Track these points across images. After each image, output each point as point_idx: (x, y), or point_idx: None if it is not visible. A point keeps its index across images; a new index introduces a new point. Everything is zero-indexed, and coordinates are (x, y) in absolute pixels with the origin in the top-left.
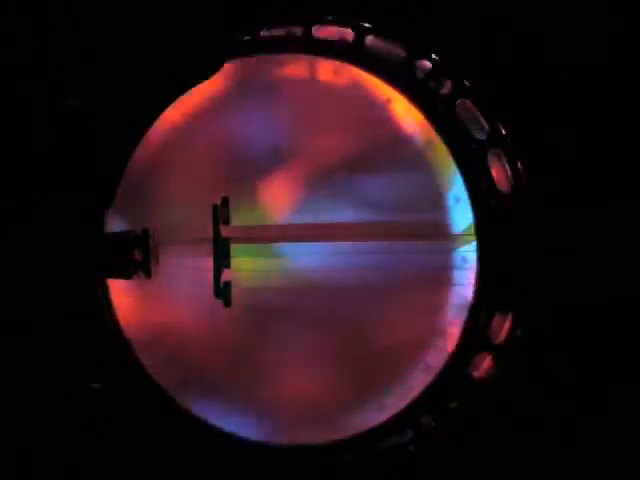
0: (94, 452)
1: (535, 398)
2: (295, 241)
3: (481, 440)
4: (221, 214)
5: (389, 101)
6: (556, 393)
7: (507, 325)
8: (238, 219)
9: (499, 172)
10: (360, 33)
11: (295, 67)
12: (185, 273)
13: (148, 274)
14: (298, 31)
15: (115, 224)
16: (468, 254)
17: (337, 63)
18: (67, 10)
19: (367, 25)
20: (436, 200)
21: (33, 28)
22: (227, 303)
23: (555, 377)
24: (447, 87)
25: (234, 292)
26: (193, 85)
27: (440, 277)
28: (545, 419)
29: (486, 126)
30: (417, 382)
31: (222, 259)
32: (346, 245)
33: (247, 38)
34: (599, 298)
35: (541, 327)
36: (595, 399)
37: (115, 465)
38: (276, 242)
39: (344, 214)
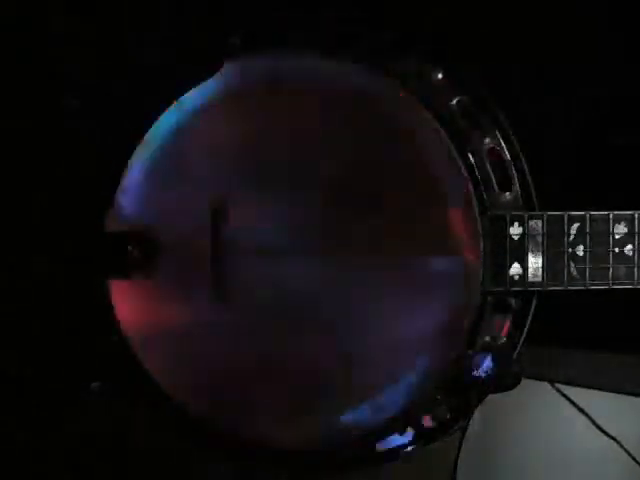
0: (93, 452)
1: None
2: (295, 241)
3: (481, 440)
4: (221, 214)
5: (389, 101)
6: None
7: (507, 325)
8: (237, 219)
9: (500, 172)
10: (360, 32)
11: (295, 68)
12: (185, 273)
13: (148, 274)
14: (298, 31)
15: (115, 224)
16: (468, 254)
17: (337, 63)
18: (67, 10)
19: (367, 25)
20: (436, 199)
21: (33, 28)
22: (227, 303)
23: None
24: (447, 86)
25: (234, 292)
26: (193, 85)
27: (440, 277)
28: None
29: (487, 125)
30: (417, 383)
31: (222, 259)
32: (346, 245)
33: (247, 38)
34: (601, 297)
35: (541, 326)
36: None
37: (114, 465)
38: (276, 242)
39: (344, 214)
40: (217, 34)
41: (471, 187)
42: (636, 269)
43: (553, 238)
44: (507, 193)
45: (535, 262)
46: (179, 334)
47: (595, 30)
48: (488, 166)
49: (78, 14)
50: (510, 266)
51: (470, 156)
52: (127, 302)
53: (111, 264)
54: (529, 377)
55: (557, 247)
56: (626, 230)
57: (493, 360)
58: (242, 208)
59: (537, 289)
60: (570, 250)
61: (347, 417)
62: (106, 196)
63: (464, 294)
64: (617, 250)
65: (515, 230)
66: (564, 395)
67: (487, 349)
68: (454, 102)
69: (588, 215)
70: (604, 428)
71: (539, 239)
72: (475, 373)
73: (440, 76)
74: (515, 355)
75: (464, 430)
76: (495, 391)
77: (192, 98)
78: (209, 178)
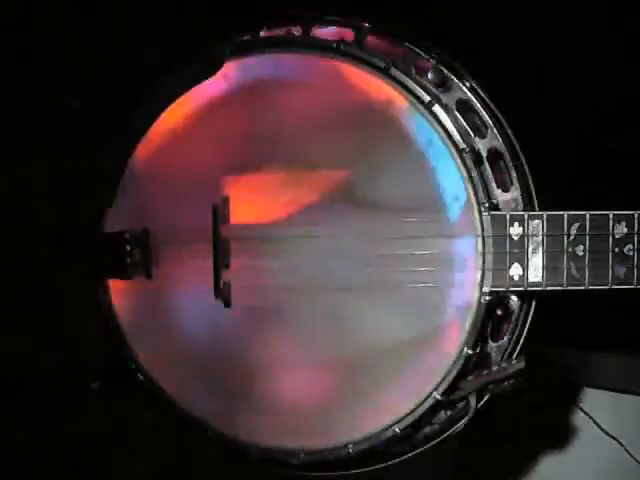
0: (93, 452)
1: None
2: (296, 240)
3: (481, 441)
4: (221, 214)
5: (389, 101)
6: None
7: (507, 325)
8: (238, 219)
9: (500, 172)
10: (360, 33)
11: (295, 67)
12: (185, 273)
13: (148, 274)
14: (298, 31)
15: (115, 224)
16: (468, 254)
17: (337, 63)
18: (67, 10)
19: (367, 25)
20: (436, 200)
21: (33, 28)
22: (227, 303)
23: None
24: (447, 86)
25: (234, 292)
26: (193, 85)
27: (440, 277)
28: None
29: (487, 125)
30: (417, 383)
31: (222, 259)
32: (346, 245)
33: (247, 38)
34: (601, 297)
35: (541, 326)
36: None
37: (114, 465)
38: (276, 242)
39: (344, 214)
40: (217, 34)
41: (471, 187)
42: (636, 269)
43: (553, 238)
44: (507, 193)
45: (535, 262)
46: (179, 334)
47: (595, 30)
48: (488, 166)
49: (78, 14)
50: (510, 266)
51: (470, 156)
52: (127, 302)
53: (111, 264)
54: (531, 378)
55: (557, 247)
56: (626, 230)
57: (493, 361)
58: (243, 207)
59: (537, 289)
60: (570, 250)
61: (347, 418)
62: (106, 196)
63: (464, 294)
64: (617, 250)
65: (515, 230)
66: (565, 395)
67: (487, 349)
68: (454, 102)
69: (588, 215)
70: (605, 428)
71: (539, 239)
72: (475, 373)
73: (440, 77)
74: (515, 355)
75: (464, 430)
76: (495, 391)
77: (192, 98)
78: (209, 178)
